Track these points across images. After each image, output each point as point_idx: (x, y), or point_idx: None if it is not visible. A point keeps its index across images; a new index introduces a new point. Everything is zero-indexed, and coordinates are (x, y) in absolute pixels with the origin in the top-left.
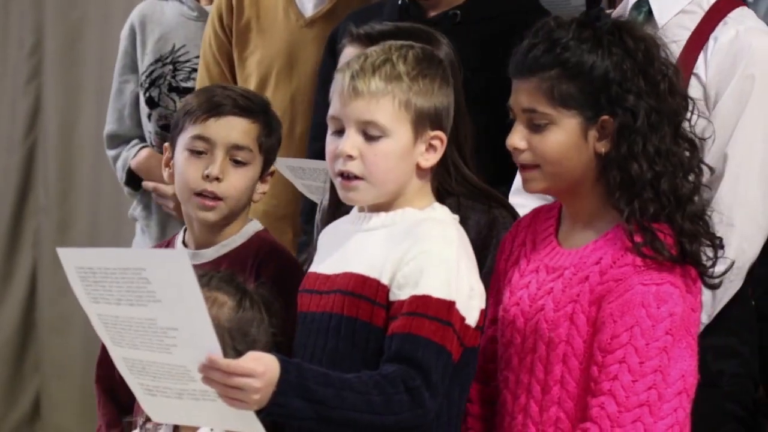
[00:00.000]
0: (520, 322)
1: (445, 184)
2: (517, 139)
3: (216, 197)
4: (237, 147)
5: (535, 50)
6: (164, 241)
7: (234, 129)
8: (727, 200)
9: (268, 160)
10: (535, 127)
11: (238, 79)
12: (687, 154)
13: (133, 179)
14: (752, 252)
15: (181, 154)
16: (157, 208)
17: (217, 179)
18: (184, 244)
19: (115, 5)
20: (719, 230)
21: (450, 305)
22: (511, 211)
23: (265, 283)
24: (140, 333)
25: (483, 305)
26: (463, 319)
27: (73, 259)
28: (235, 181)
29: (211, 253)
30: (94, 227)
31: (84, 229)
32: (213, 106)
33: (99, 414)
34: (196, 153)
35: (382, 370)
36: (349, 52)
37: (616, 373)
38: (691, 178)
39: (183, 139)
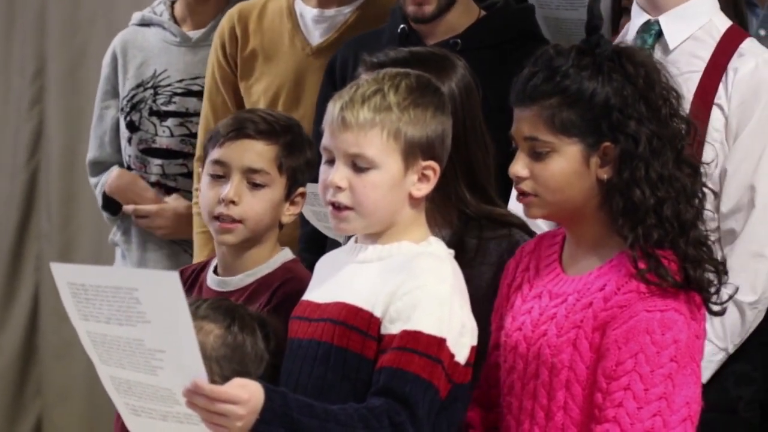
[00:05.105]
0: (522, 347)
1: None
2: (520, 167)
3: (234, 220)
4: (252, 170)
5: (535, 78)
6: (197, 265)
7: (248, 151)
8: (758, 231)
9: (294, 181)
10: (537, 155)
11: (246, 107)
12: (690, 178)
13: (111, 204)
14: None
15: (204, 179)
16: (137, 232)
17: (233, 202)
18: (215, 271)
19: (118, 32)
20: (749, 262)
21: (440, 342)
22: (532, 235)
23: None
24: (128, 353)
25: (474, 342)
26: (452, 356)
27: (65, 275)
28: (253, 204)
29: (236, 282)
30: (96, 253)
31: (86, 254)
32: (231, 130)
33: None
34: (215, 177)
35: (368, 403)
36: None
37: (620, 400)
38: (694, 203)
39: (206, 165)
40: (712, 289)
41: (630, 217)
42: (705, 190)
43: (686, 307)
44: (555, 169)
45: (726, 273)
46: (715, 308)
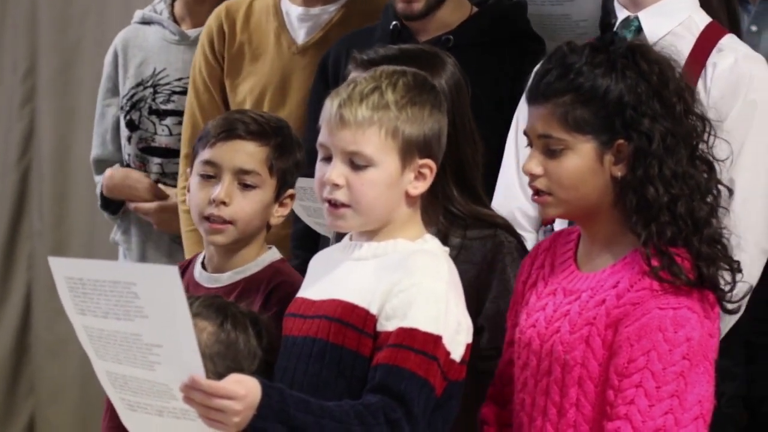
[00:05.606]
0: (536, 344)
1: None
2: (534, 164)
3: (224, 221)
4: (243, 171)
5: (549, 76)
6: (185, 262)
7: (240, 152)
8: (738, 224)
9: (284, 182)
10: (551, 152)
11: (231, 105)
12: (704, 175)
13: (110, 204)
14: (756, 275)
15: (194, 179)
16: (137, 231)
17: (224, 203)
18: (203, 267)
19: (110, 30)
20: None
21: (436, 339)
22: (517, 236)
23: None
24: (124, 348)
25: (469, 340)
26: (448, 353)
27: (63, 269)
28: (244, 205)
29: (225, 279)
30: (88, 252)
31: (79, 253)
32: (222, 130)
33: None
34: (206, 177)
35: (363, 400)
36: (353, 78)
37: (632, 397)
38: (708, 199)
39: (196, 165)
40: (727, 288)
41: (643, 214)
42: (720, 187)
43: (699, 306)
44: (569, 166)
45: (740, 271)
46: (729, 306)
